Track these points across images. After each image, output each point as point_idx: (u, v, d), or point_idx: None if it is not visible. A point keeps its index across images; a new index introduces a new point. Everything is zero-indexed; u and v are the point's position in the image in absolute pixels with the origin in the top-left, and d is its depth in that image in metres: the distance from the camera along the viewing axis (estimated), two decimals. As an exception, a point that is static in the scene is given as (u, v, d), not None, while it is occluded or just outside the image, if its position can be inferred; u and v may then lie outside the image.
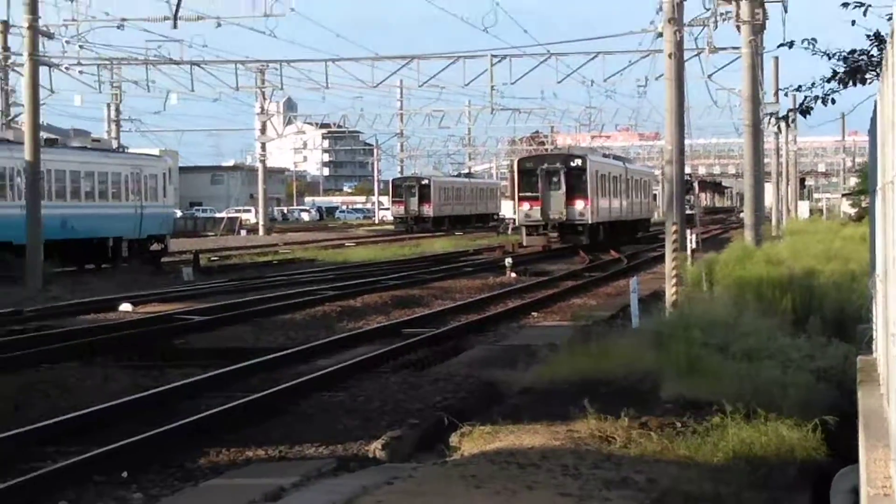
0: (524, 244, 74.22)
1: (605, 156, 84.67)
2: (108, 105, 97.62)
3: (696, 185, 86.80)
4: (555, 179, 61.74)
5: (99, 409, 21.32)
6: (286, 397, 23.40)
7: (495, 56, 74.30)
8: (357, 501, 13.90)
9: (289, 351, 30.03)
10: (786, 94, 43.29)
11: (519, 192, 65.55)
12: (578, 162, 62.57)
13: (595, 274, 59.36)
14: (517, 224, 76.18)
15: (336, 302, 42.00)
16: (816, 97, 25.48)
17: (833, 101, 25.26)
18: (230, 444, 18.91)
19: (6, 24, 63.19)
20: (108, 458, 17.57)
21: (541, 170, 62.22)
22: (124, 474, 16.81)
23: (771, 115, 47.15)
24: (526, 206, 63.27)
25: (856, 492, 11.77)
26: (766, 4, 45.33)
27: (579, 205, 61.31)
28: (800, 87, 27.04)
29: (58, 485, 16.15)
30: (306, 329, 36.36)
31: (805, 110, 26.61)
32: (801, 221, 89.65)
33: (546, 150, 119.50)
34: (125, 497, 15.70)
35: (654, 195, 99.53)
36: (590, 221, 62.53)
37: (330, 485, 15.52)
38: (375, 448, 18.13)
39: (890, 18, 17.07)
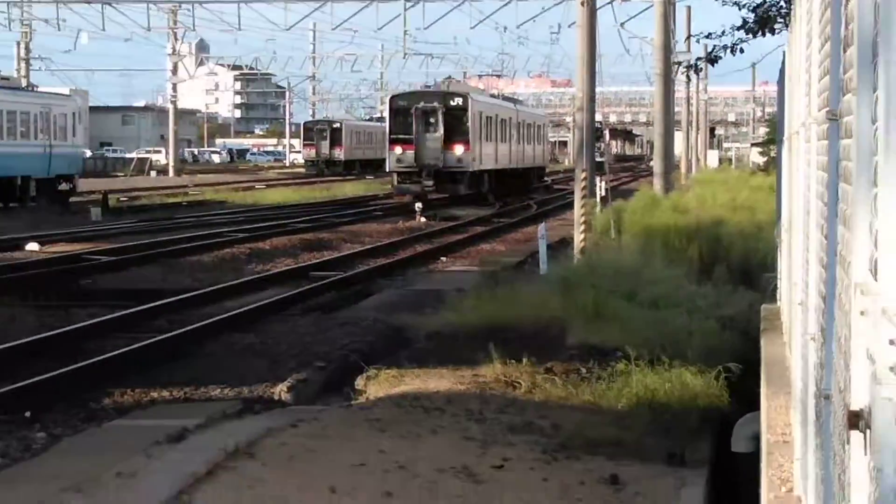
0: (394, 194, 66.62)
1: (493, 96, 78.14)
2: (18, 43, 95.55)
3: (606, 132, 77.21)
4: (431, 120, 54.68)
5: (3, 348, 21.10)
6: (192, 339, 23.55)
7: (409, 0, 74.58)
8: (260, 443, 14.01)
9: (196, 292, 30.09)
10: (697, 42, 44.63)
11: (391, 135, 58.02)
12: (459, 101, 55.62)
13: (504, 220, 58.79)
14: (388, 169, 67.88)
15: (245, 244, 42.09)
16: (725, 46, 26.37)
17: (742, 51, 26.37)
18: (135, 385, 18.99)
19: None
20: (12, 398, 17.78)
21: (416, 109, 55.00)
22: (27, 414, 16.98)
23: (681, 63, 48.25)
24: (398, 149, 56.24)
25: (757, 438, 12.51)
26: None
27: (458, 150, 54.30)
28: (710, 34, 27.80)
29: None
30: (215, 271, 36.39)
31: (713, 59, 27.43)
32: (711, 171, 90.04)
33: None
34: (27, 436, 15.85)
35: (551, 142, 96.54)
36: (470, 169, 55.88)
37: (234, 426, 15.57)
38: (281, 390, 18.42)
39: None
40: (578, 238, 34.11)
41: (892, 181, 3.26)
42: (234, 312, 26.57)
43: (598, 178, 41.43)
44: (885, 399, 3.14)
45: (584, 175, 37.98)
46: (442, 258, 42.21)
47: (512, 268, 35.44)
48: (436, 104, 53.44)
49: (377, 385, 18.35)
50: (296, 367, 20.35)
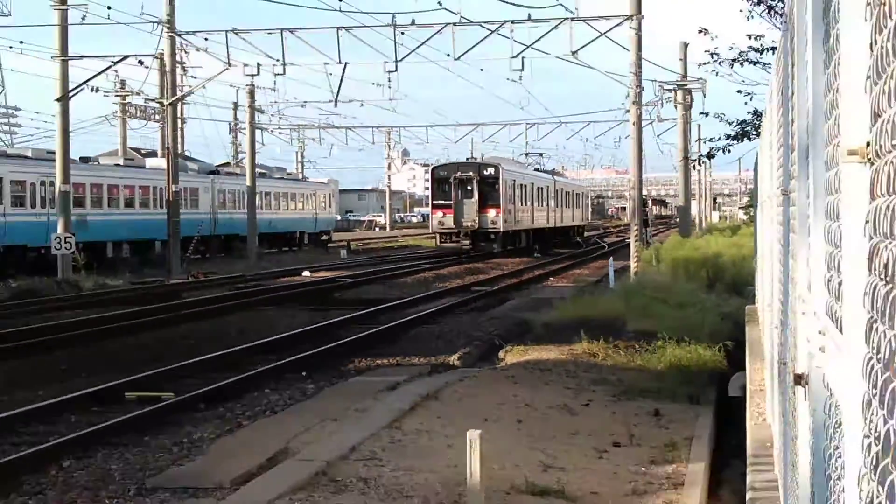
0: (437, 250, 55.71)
1: (536, 169, 62.80)
2: (296, 153, 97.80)
3: (649, 201, 73.02)
4: (468, 188, 44.66)
5: (288, 335, 21.75)
6: (401, 328, 23.43)
7: (529, 124, 74.26)
8: (441, 391, 14.24)
9: (403, 300, 29.83)
10: (704, 144, 44.62)
11: (433, 200, 47.78)
12: (491, 171, 45.72)
13: (590, 254, 56.83)
14: (431, 231, 54.14)
15: (431, 271, 41.93)
16: (720, 148, 26.44)
17: (729, 151, 26.51)
18: (367, 357, 19.32)
19: (235, 104, 65.15)
20: (294, 364, 18.30)
21: (454, 178, 45.20)
22: (304, 373, 17.54)
23: (694, 159, 48.33)
24: (439, 213, 45.88)
25: (743, 388, 12.22)
26: (692, 91, 46.16)
27: (491, 213, 44.41)
28: (711, 139, 27.77)
29: (264, 379, 16.85)
30: (414, 287, 35.85)
31: (711, 156, 27.88)
32: (714, 224, 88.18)
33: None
34: (303, 387, 16.37)
35: (616, 208, 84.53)
36: (502, 230, 45.59)
37: (426, 381, 15.84)
38: (454, 359, 18.58)
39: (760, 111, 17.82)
40: (633, 265, 33.44)
41: (818, 234, 3.31)
42: (426, 312, 26.68)
43: (645, 229, 40.63)
44: (817, 367, 3.29)
45: (636, 228, 36.73)
46: (550, 278, 40.59)
47: (592, 284, 34.09)
48: (471, 173, 43.64)
49: (511, 355, 18.47)
50: (462, 345, 20.47)
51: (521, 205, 47.42)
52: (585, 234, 78.02)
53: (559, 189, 59.94)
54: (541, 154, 67.69)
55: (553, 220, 56.22)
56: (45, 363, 18.74)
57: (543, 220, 53.26)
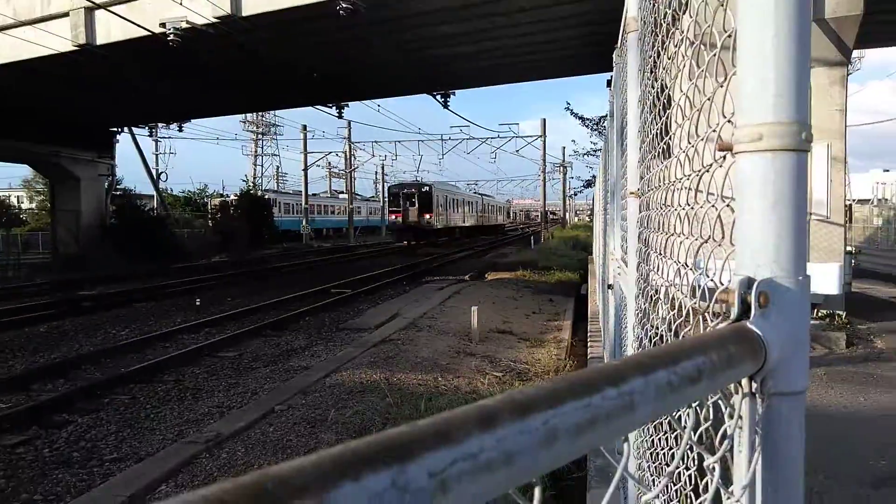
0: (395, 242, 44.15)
1: (474, 192, 56.26)
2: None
3: (549, 213, 53.67)
4: (412, 199, 40.01)
5: (396, 267, 21.76)
6: (446, 262, 24.87)
7: (498, 179, 74.78)
8: (462, 289, 15.15)
9: (448, 253, 29.41)
10: (572, 187, 45.13)
11: (389, 208, 42.34)
12: (427, 189, 40.44)
13: (519, 241, 52.02)
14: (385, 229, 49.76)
15: (451, 244, 40.59)
16: (580, 189, 31.94)
17: (582, 191, 31.84)
18: (430, 275, 19.94)
19: (376, 173, 67.46)
20: (400, 278, 18.80)
21: (402, 193, 40.61)
22: (404, 283, 17.91)
23: (569, 195, 48.56)
24: (393, 217, 41.04)
25: (587, 290, 13.70)
26: (565, 167, 49.75)
27: (426, 216, 39.77)
28: (574, 188, 32.97)
29: (387, 285, 17.47)
30: (444, 248, 34.53)
31: (575, 193, 32.98)
32: (575, 223, 79.13)
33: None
34: (404, 287, 16.85)
35: (506, 212, 70.88)
36: (435, 227, 40.53)
37: (455, 285, 16.41)
38: (467, 277, 18.88)
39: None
40: (542, 240, 35.48)
41: (618, 226, 3.68)
42: (458, 257, 27.61)
43: (546, 225, 41.84)
44: (616, 282, 3.50)
45: (543, 225, 40.74)
46: (510, 247, 36.60)
47: (526, 246, 33.56)
48: (413, 190, 39.58)
49: (490, 276, 18.90)
50: (469, 271, 20.39)
51: (454, 211, 42.89)
52: (509, 229, 72.05)
53: (486, 203, 54.72)
54: (476, 182, 64.05)
55: (480, 221, 50.79)
56: (315, 277, 19.43)
57: (472, 221, 48.24)
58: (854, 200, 22.87)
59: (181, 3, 13.11)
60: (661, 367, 0.60)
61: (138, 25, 13.36)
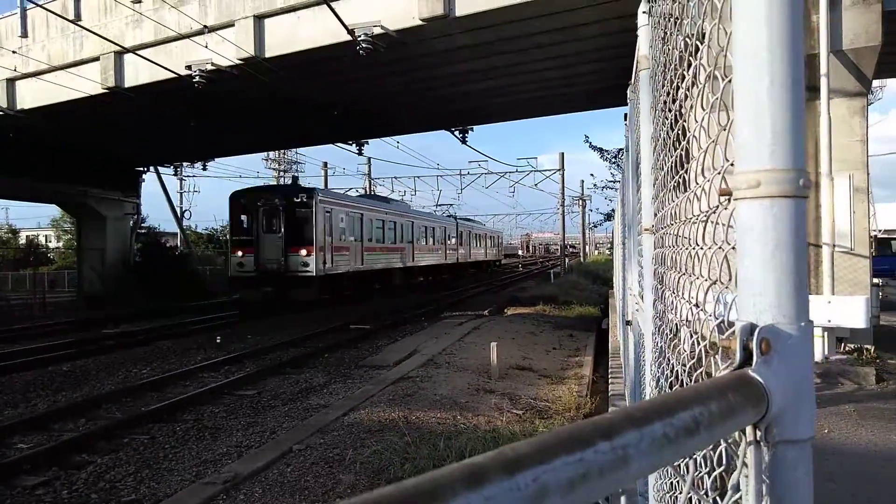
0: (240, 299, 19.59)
1: (450, 216, 38.38)
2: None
3: (568, 246, 54.10)
4: (274, 220, 18.87)
5: (417, 302, 21.35)
6: (469, 295, 24.66)
7: (517, 213, 75.62)
8: (481, 324, 15.10)
9: (464, 288, 28.44)
10: (591, 220, 46.53)
11: (232, 236, 19.62)
12: (304, 199, 18.89)
13: (538, 275, 48.41)
14: (230, 275, 19.57)
15: (473, 274, 38.39)
16: (599, 222, 31.62)
17: (601, 223, 31.62)
18: (449, 310, 19.49)
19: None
20: (418, 314, 18.38)
21: (259, 207, 19.09)
22: (423, 318, 17.53)
23: (589, 227, 47.55)
24: (239, 253, 18.95)
25: (607, 325, 13.62)
26: (585, 200, 47.59)
27: (303, 252, 18.44)
28: (594, 220, 33.01)
29: (406, 321, 17.05)
30: (465, 281, 33.15)
31: (595, 226, 33.54)
32: (595, 257, 78.06)
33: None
34: (422, 324, 16.70)
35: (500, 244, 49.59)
36: (327, 271, 19.32)
37: (474, 320, 16.24)
38: (486, 311, 18.53)
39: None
40: (562, 273, 34.95)
41: (635, 261, 3.47)
42: (477, 293, 26.60)
43: (565, 258, 40.84)
44: (634, 319, 3.38)
45: (563, 257, 40.22)
46: (530, 281, 34.62)
47: (545, 281, 31.79)
48: (277, 201, 19.45)
49: (510, 310, 18.75)
50: (488, 306, 20.12)
51: (373, 241, 23.65)
52: (528, 262, 64.54)
53: (463, 231, 36.76)
54: (450, 205, 44.83)
55: (452, 255, 33.99)
56: (332, 314, 18.25)
57: (434, 257, 31.25)
58: (880, 231, 22.41)
59: (206, 46, 13.49)
60: (657, 419, 0.60)
61: (165, 68, 13.73)
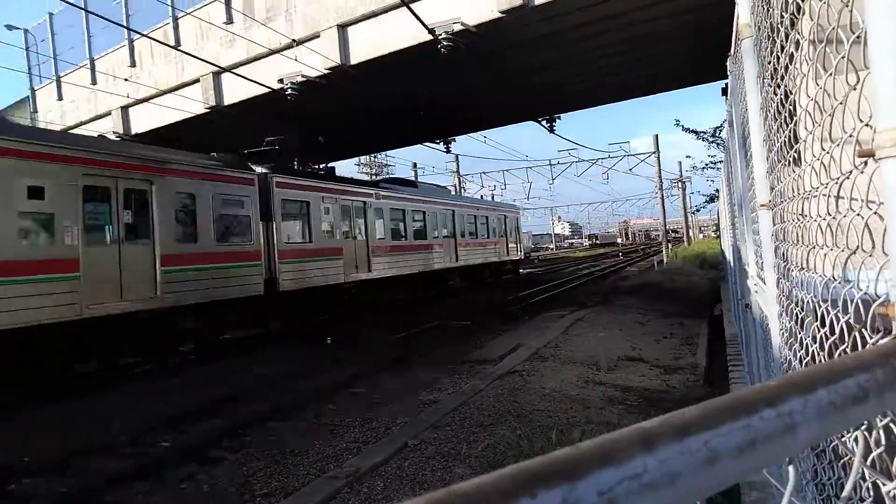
0: None
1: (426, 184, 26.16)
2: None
3: (669, 231, 58.22)
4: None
5: (515, 297, 20.99)
6: (568, 288, 24.01)
7: (612, 200, 75.88)
8: (584, 316, 14.95)
9: (563, 280, 28.41)
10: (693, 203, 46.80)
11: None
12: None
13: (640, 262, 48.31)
14: None
15: (580, 266, 39.54)
16: (703, 205, 30.51)
17: (705, 206, 30.68)
18: (549, 308, 18.46)
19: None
20: (520, 309, 18.06)
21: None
22: (525, 315, 16.96)
23: (690, 211, 47.59)
24: None
25: (720, 310, 13.07)
26: (684, 182, 47.02)
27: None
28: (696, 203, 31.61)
29: (506, 317, 16.56)
30: (571, 274, 33.04)
31: (697, 210, 32.31)
32: (699, 239, 79.72)
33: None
34: (524, 318, 16.17)
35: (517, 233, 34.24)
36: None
37: (577, 313, 15.49)
38: (586, 303, 18.35)
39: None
40: (666, 259, 35.04)
41: (750, 241, 3.42)
42: (576, 283, 26.27)
43: (668, 244, 40.62)
44: (754, 300, 3.27)
45: (664, 244, 39.78)
46: (629, 267, 35.22)
47: (647, 268, 32.48)
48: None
49: (612, 300, 18.59)
50: (591, 297, 20.04)
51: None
52: (628, 250, 63.51)
53: (437, 213, 22.85)
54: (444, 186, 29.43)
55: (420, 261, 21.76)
56: (431, 311, 18.57)
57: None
58: None
59: (296, 59, 14.04)
60: (821, 386, 0.60)
61: (259, 83, 14.38)
